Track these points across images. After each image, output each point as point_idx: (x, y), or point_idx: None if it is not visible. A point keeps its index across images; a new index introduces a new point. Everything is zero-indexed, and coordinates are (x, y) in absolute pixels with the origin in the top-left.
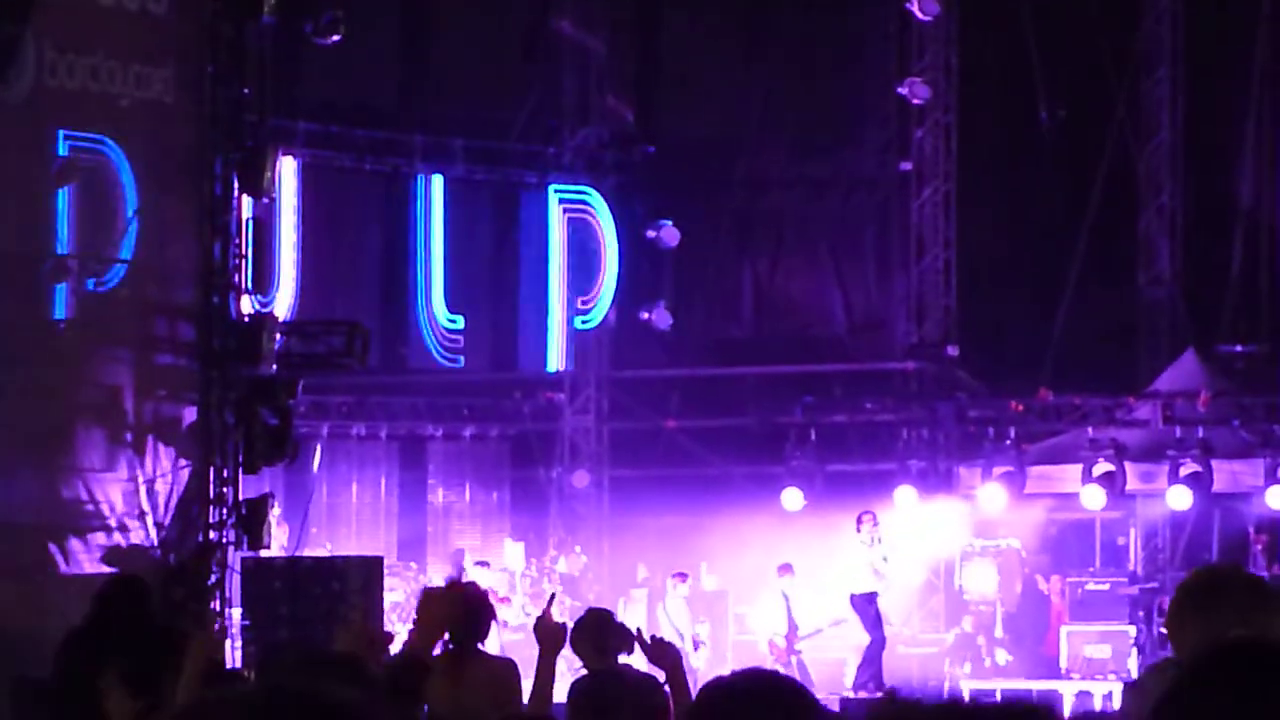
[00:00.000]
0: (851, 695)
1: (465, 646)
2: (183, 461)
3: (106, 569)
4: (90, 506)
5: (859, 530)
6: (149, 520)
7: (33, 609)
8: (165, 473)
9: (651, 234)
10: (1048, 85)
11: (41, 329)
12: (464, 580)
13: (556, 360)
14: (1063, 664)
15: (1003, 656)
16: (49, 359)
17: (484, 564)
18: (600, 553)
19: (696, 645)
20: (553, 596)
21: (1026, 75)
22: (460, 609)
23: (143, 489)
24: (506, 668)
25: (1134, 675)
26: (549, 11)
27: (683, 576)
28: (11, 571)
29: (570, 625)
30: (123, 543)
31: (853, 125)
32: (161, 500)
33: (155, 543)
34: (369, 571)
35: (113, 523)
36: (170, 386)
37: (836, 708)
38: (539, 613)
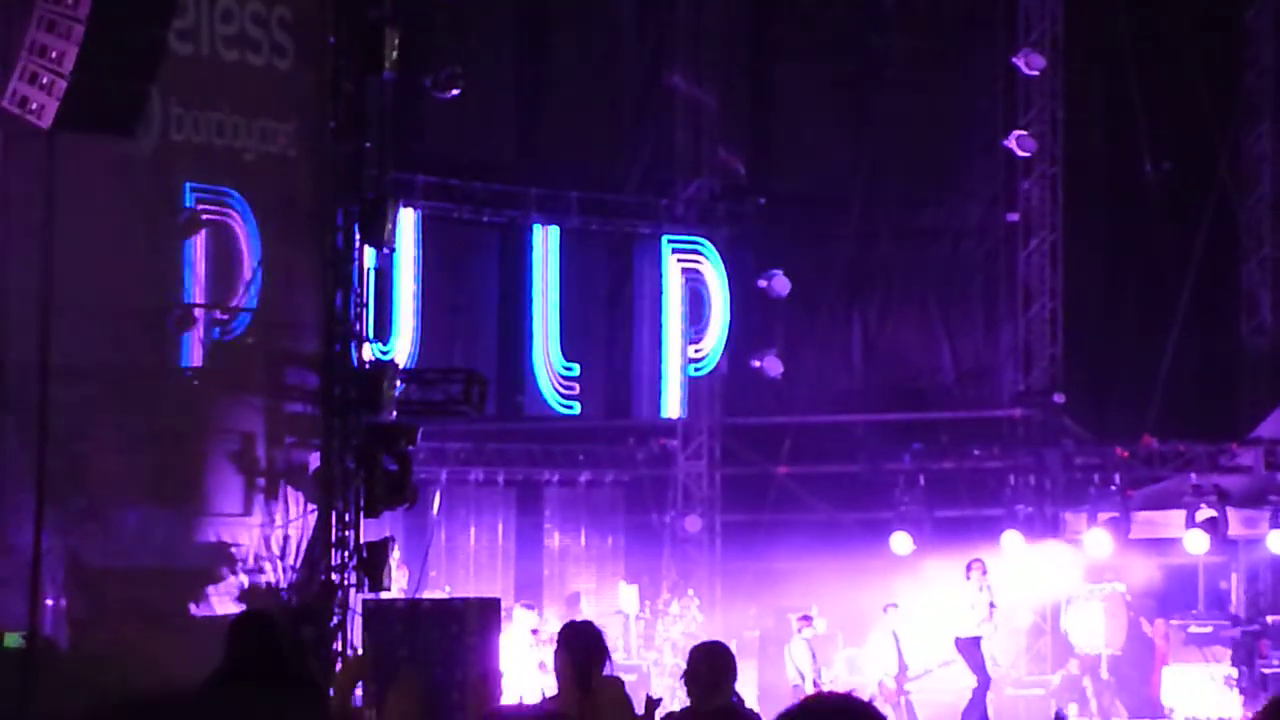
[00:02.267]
0: None
1: (591, 674)
2: (309, 506)
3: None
4: (223, 550)
5: (968, 578)
6: (279, 564)
7: (164, 652)
8: (294, 517)
9: (762, 283)
10: (1151, 137)
11: (171, 377)
12: (580, 619)
13: (670, 407)
14: (1166, 705)
15: (1107, 699)
16: (179, 407)
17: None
18: (712, 596)
19: (817, 687)
20: (656, 701)
21: (1131, 127)
22: (582, 643)
23: (274, 533)
24: (620, 686)
25: (1235, 717)
26: (661, 67)
27: (808, 620)
28: (146, 615)
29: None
30: (255, 585)
31: (960, 177)
32: (291, 544)
33: (284, 585)
34: (487, 613)
35: (245, 566)
36: (297, 433)
37: None
38: (650, 655)
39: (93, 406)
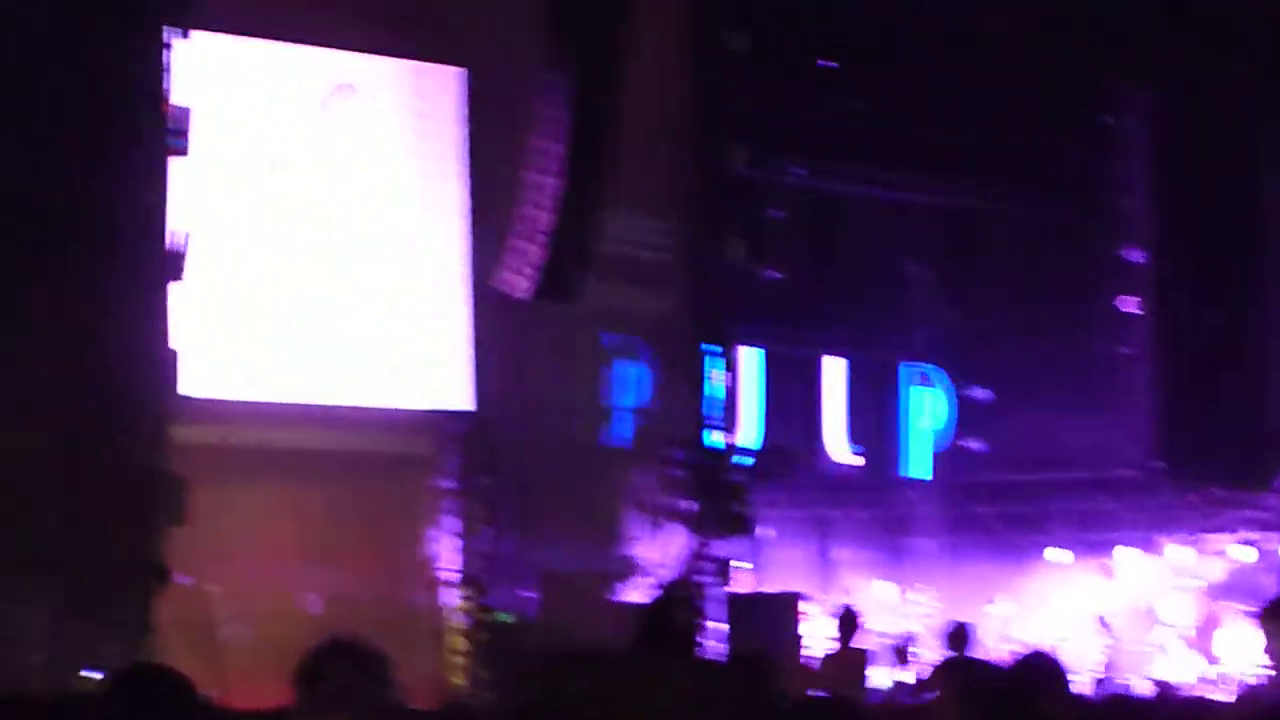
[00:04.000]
0: None
1: (844, 643)
2: (685, 534)
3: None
4: (631, 561)
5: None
6: (667, 570)
7: (591, 628)
8: (676, 541)
9: (971, 393)
10: None
11: (600, 451)
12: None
13: (918, 471)
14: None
15: None
16: (605, 470)
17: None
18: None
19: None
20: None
21: None
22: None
23: (663, 551)
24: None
25: None
26: (900, 254)
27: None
28: (582, 603)
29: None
30: (651, 584)
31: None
32: (673, 558)
33: (669, 584)
34: (790, 603)
35: (645, 571)
36: (676, 487)
37: None
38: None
39: (554, 469)
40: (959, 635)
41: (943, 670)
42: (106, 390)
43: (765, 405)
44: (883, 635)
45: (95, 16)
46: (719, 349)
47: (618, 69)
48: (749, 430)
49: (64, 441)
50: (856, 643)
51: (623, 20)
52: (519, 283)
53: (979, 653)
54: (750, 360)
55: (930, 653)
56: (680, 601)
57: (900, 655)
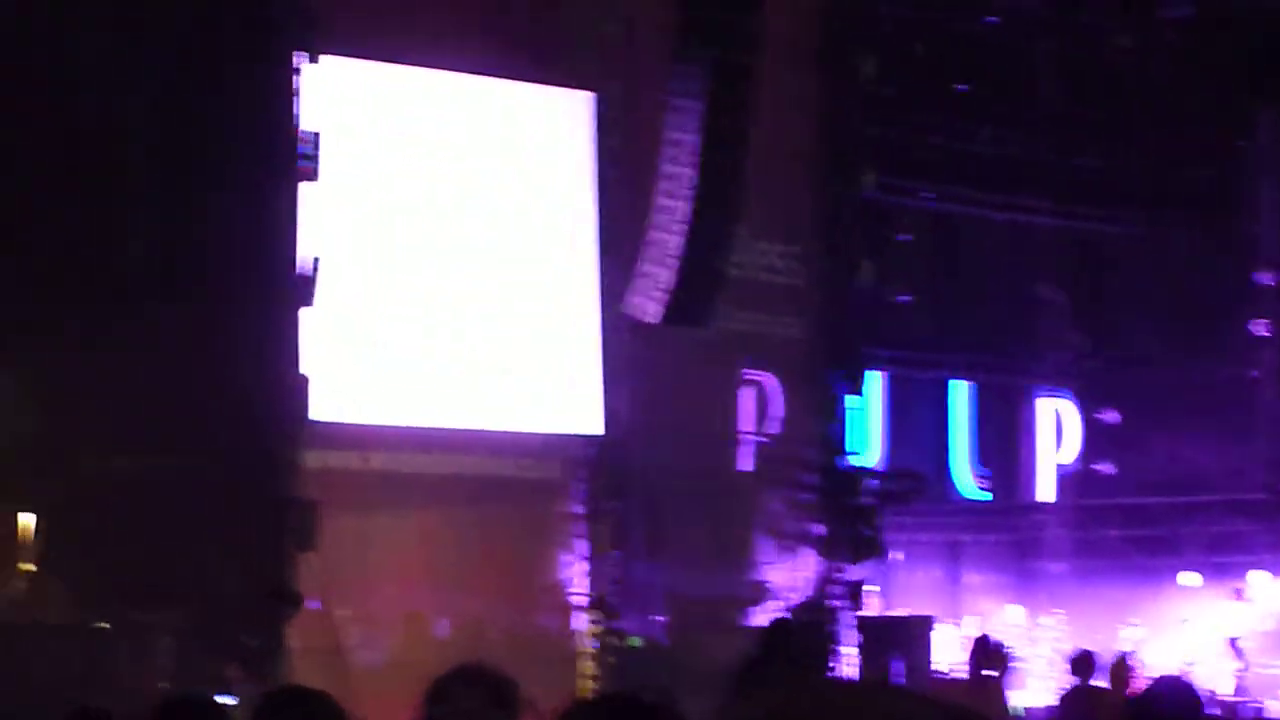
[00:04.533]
0: None
1: (983, 674)
2: (815, 558)
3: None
4: (761, 585)
5: None
6: (797, 594)
7: (721, 649)
8: (806, 564)
9: (1101, 417)
10: None
11: (731, 477)
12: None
13: (1044, 493)
14: None
15: None
16: (735, 496)
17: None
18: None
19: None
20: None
21: None
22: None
23: (793, 575)
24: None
25: None
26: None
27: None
28: (712, 626)
29: None
30: (781, 607)
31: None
32: (804, 582)
33: (800, 607)
34: (922, 627)
35: (775, 595)
36: (807, 512)
37: None
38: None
39: (684, 493)
40: (1084, 662)
41: (1069, 699)
42: (238, 416)
43: (893, 429)
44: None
45: (225, 45)
46: (848, 373)
47: (748, 93)
48: (877, 454)
49: (196, 467)
50: (993, 669)
51: (752, 45)
52: (649, 307)
53: (1104, 678)
54: (878, 384)
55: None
56: (801, 625)
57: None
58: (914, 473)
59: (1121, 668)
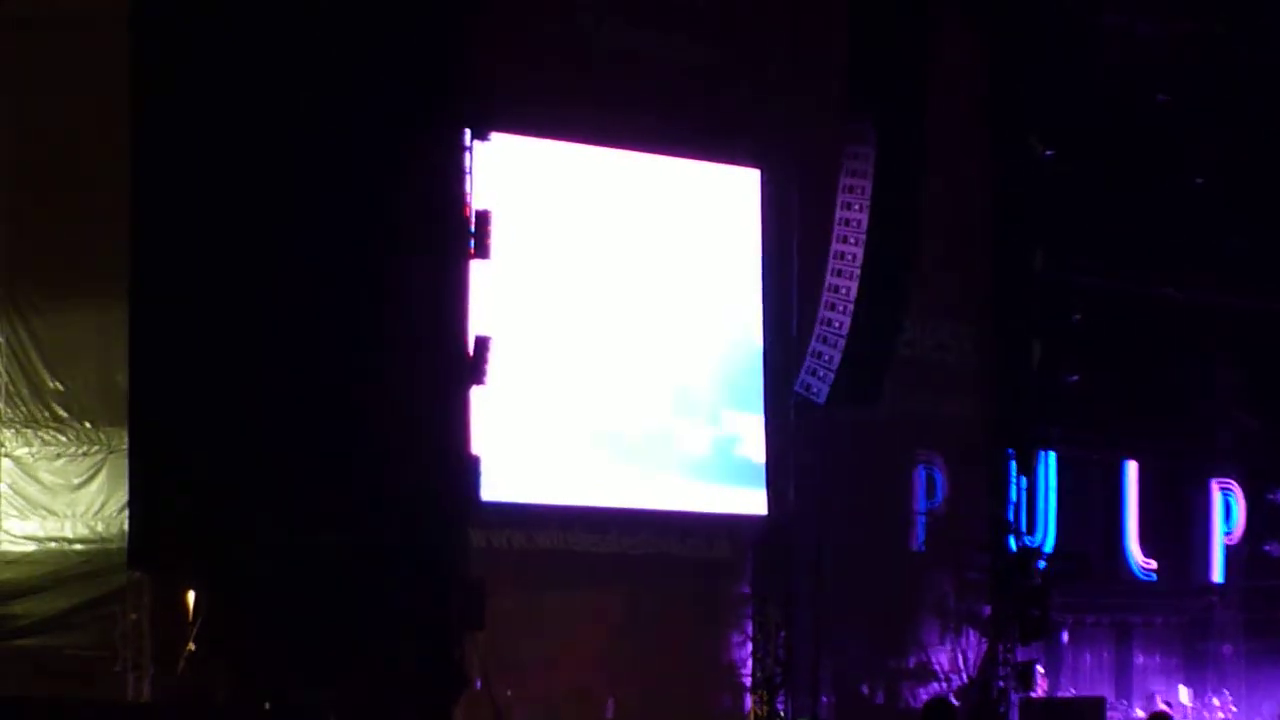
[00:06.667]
0: None
1: None
2: (982, 639)
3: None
4: (926, 666)
5: None
6: (962, 675)
7: None
8: (972, 645)
9: (1272, 498)
10: None
11: (901, 557)
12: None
13: (1214, 574)
14: None
15: None
16: (904, 576)
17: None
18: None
19: None
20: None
21: None
22: None
23: (959, 655)
24: None
25: None
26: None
27: None
28: (870, 706)
29: None
30: (944, 689)
31: None
32: (969, 662)
33: (964, 688)
34: (1095, 709)
35: (940, 675)
36: (974, 592)
37: None
38: None
39: (852, 573)
40: None
41: None
42: (411, 495)
43: (1061, 509)
44: None
45: (400, 126)
46: (1019, 452)
47: (917, 171)
48: (1047, 534)
49: (370, 545)
50: None
51: (922, 122)
52: (818, 386)
53: None
54: (1047, 464)
55: None
56: (972, 708)
57: None
58: (1082, 553)
59: None
